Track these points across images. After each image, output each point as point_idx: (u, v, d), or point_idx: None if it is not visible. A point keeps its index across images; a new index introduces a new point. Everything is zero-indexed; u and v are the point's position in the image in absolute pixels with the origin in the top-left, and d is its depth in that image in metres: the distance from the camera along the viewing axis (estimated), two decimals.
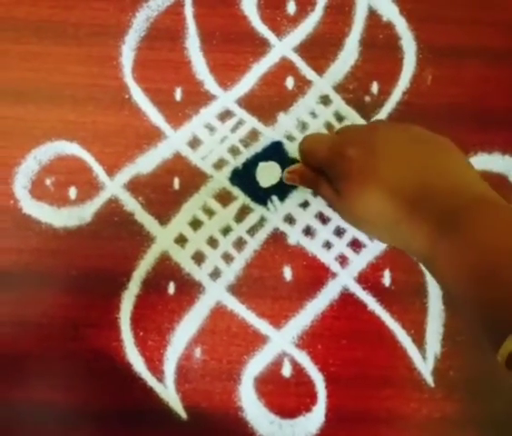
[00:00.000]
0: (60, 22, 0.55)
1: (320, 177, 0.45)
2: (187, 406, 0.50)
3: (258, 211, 0.53)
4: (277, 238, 0.53)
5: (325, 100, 0.55)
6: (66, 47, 0.55)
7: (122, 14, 0.55)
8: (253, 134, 0.54)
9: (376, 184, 0.40)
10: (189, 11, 0.56)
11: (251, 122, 0.54)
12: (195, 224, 0.53)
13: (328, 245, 0.53)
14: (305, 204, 0.53)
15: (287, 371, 0.51)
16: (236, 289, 0.52)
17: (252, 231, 0.53)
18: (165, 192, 0.53)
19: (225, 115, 0.55)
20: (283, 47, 0.56)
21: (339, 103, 0.55)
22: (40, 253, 0.52)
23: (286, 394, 0.51)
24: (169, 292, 0.51)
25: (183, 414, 0.50)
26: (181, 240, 0.52)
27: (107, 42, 0.55)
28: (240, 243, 0.53)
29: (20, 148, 0.53)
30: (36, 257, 0.52)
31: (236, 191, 0.53)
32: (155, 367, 0.50)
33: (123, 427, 0.50)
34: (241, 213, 0.53)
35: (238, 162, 0.54)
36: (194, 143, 0.54)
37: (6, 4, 0.55)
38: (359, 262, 0.53)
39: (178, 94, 0.54)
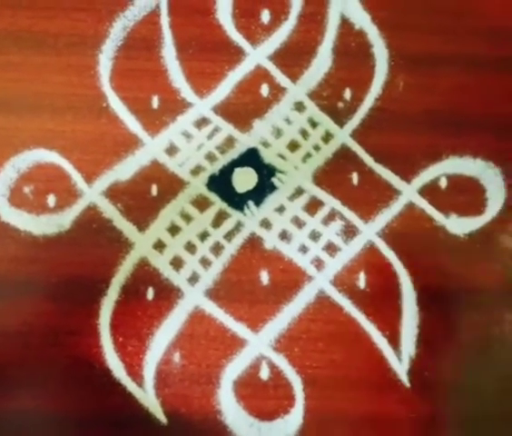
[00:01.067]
0: (39, 32, 0.57)
1: None
2: (167, 411, 0.52)
3: (234, 216, 0.55)
4: (253, 242, 0.55)
5: (299, 107, 0.58)
6: (46, 57, 0.57)
7: (99, 24, 0.58)
8: (229, 141, 0.57)
9: None
10: (165, 20, 0.58)
11: (227, 129, 0.57)
12: (173, 230, 0.54)
13: (304, 249, 0.55)
14: (281, 209, 0.55)
15: (265, 374, 0.53)
16: (214, 293, 0.54)
17: (229, 236, 0.55)
18: (143, 198, 0.55)
19: (201, 123, 0.57)
20: (258, 55, 0.58)
21: (313, 109, 0.57)
22: (19, 261, 0.53)
23: (264, 397, 0.52)
24: (148, 297, 0.53)
25: (163, 419, 0.51)
26: (159, 245, 0.54)
27: (85, 51, 0.57)
28: (217, 248, 0.54)
29: None
30: (15, 265, 0.53)
31: (213, 196, 0.55)
32: (135, 372, 0.52)
33: (104, 433, 0.51)
34: (218, 219, 0.55)
35: (214, 168, 0.56)
36: (171, 150, 0.56)
37: None
38: (335, 265, 0.55)
39: (155, 103, 0.57)
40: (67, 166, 0.55)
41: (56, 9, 0.58)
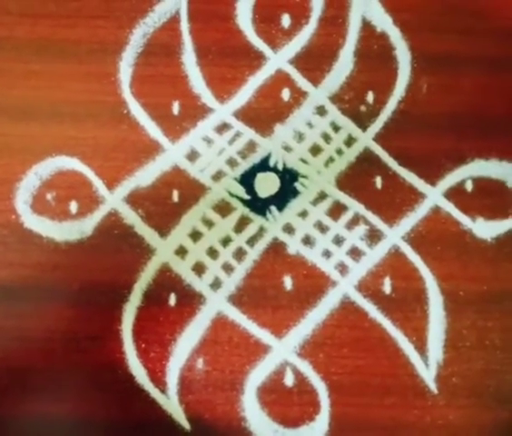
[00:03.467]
0: (60, 40, 0.61)
1: None
2: (190, 417, 0.54)
3: (257, 221, 0.58)
4: (276, 248, 0.57)
5: (321, 111, 0.61)
6: (66, 65, 0.61)
7: (119, 31, 0.61)
8: (251, 146, 0.60)
9: None
10: (185, 26, 0.62)
11: (249, 133, 0.60)
12: (195, 236, 0.57)
13: (327, 254, 0.57)
14: (304, 214, 0.58)
15: (289, 380, 0.55)
16: (237, 299, 0.56)
17: (252, 241, 0.57)
18: (165, 204, 0.58)
19: (222, 128, 0.60)
20: (279, 60, 0.61)
21: (335, 113, 0.60)
22: (41, 267, 0.56)
23: (289, 404, 0.54)
24: (170, 303, 0.56)
25: (187, 425, 0.54)
26: (181, 251, 0.57)
27: (105, 58, 0.61)
28: (240, 254, 0.57)
29: (21, 164, 0.58)
30: (38, 271, 0.56)
31: (235, 202, 0.58)
32: (158, 378, 0.54)
33: None
34: (241, 224, 0.58)
35: (236, 173, 0.59)
36: (192, 155, 0.59)
37: (8, 23, 0.61)
38: (359, 270, 0.57)
39: (175, 108, 0.60)
40: (89, 173, 0.58)
41: (76, 17, 0.62)
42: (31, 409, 0.54)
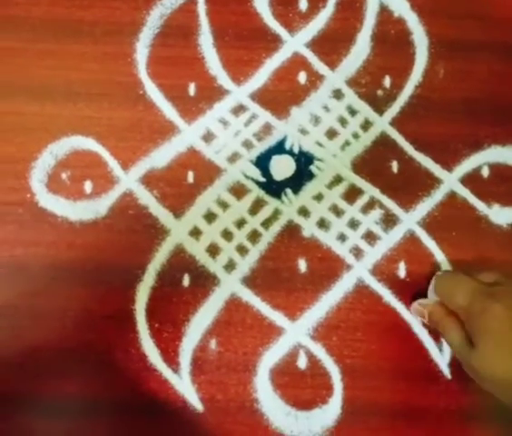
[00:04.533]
0: (76, 21, 0.62)
1: (452, 320, 0.51)
2: (202, 398, 0.54)
3: (272, 204, 0.58)
4: (291, 230, 0.58)
5: (337, 94, 0.61)
6: (82, 45, 0.61)
7: (136, 12, 0.62)
8: (267, 128, 0.60)
9: None
10: (202, 8, 0.63)
11: (265, 116, 0.60)
12: (210, 217, 0.58)
13: (342, 238, 0.58)
14: (319, 197, 0.59)
15: (302, 362, 0.55)
16: (251, 281, 0.57)
17: (267, 223, 0.58)
18: (179, 185, 0.58)
19: (238, 110, 0.61)
20: (295, 43, 0.62)
21: (351, 97, 0.61)
22: (56, 246, 0.57)
23: (302, 386, 0.55)
24: (184, 284, 0.56)
25: (199, 406, 0.54)
26: (195, 232, 0.57)
27: (122, 39, 0.62)
28: (254, 236, 0.58)
29: (37, 143, 0.59)
30: (53, 250, 0.57)
31: (250, 184, 0.59)
32: (171, 358, 0.55)
33: (139, 418, 0.54)
34: (256, 206, 0.58)
35: (252, 155, 0.60)
36: (208, 137, 0.60)
37: (24, 4, 0.62)
38: (374, 254, 0.58)
39: (192, 90, 0.61)
40: (104, 153, 0.59)
41: None
42: (44, 387, 0.55)
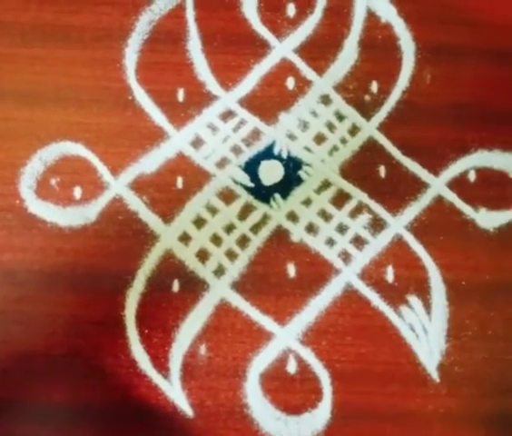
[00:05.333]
0: (65, 26, 0.62)
1: None
2: (193, 403, 0.55)
3: (261, 209, 0.59)
4: (280, 235, 0.58)
5: (325, 100, 0.62)
6: (71, 51, 0.62)
7: (125, 18, 0.63)
8: (255, 134, 0.61)
9: None
10: (190, 14, 0.63)
11: (253, 121, 0.61)
12: (199, 223, 0.58)
13: (331, 242, 0.58)
14: (307, 202, 0.59)
15: (292, 367, 0.56)
16: (240, 286, 0.57)
17: (256, 228, 0.58)
18: (169, 191, 0.59)
19: (227, 115, 0.61)
20: (284, 49, 0.63)
21: (339, 102, 0.62)
22: (45, 252, 0.57)
23: (291, 391, 0.55)
24: (173, 289, 0.57)
25: (189, 411, 0.54)
26: (184, 238, 0.58)
27: (111, 45, 0.62)
28: (243, 241, 0.58)
29: (25, 149, 0.59)
30: (41, 256, 0.57)
31: (239, 189, 0.59)
32: (161, 364, 0.55)
33: (129, 424, 0.54)
34: (245, 211, 0.59)
35: (240, 161, 0.60)
36: (197, 142, 0.60)
37: (13, 9, 0.63)
38: (362, 258, 0.58)
39: (180, 95, 0.61)
40: (93, 159, 0.59)
41: (82, 3, 0.63)
42: (32, 393, 0.55)
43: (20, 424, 0.54)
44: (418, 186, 0.60)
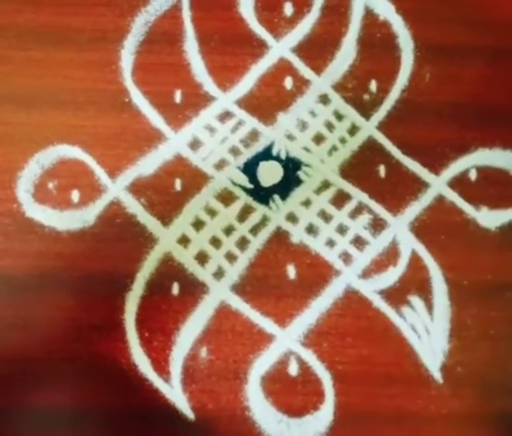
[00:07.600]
0: (61, 28, 0.63)
1: None
2: (194, 406, 0.55)
3: (260, 210, 0.59)
4: (280, 237, 0.59)
5: (324, 99, 0.63)
6: (67, 52, 0.62)
7: (120, 20, 0.63)
8: (253, 135, 0.61)
9: None
10: (186, 14, 0.64)
11: (251, 122, 0.62)
12: (198, 225, 0.59)
13: (331, 243, 0.59)
14: (307, 203, 0.60)
15: (293, 369, 0.56)
16: (240, 288, 0.58)
17: (255, 230, 0.59)
18: (167, 193, 0.59)
19: (225, 116, 0.62)
20: (281, 48, 0.63)
21: (338, 101, 0.62)
22: (43, 256, 0.57)
23: (293, 393, 0.56)
24: (173, 292, 0.57)
25: (190, 415, 0.55)
26: (184, 240, 0.58)
27: (107, 46, 0.63)
28: (243, 243, 0.59)
29: (23, 153, 0.59)
30: (39, 260, 0.57)
31: (238, 191, 0.60)
32: (161, 368, 0.56)
33: (130, 428, 0.55)
34: (244, 213, 0.59)
35: (239, 162, 0.61)
36: (195, 144, 0.61)
37: (9, 11, 0.63)
38: (363, 259, 0.59)
39: (177, 97, 0.62)
40: (90, 162, 0.60)
41: (78, 5, 0.64)
42: (32, 398, 0.55)
43: (20, 428, 0.55)
44: (418, 186, 0.60)
